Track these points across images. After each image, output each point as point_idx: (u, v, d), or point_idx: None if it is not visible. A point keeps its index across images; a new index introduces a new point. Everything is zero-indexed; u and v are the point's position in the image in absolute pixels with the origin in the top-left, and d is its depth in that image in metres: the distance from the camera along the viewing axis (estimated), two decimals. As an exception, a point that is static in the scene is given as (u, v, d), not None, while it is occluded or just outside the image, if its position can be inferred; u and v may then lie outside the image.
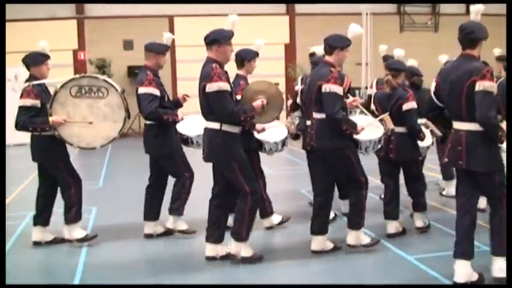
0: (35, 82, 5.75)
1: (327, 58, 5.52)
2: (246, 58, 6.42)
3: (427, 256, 5.39)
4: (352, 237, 5.54)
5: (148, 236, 6.27)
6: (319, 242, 5.56)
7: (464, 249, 4.61)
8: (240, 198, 5.26)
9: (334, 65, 5.46)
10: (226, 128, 5.14)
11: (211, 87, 5.08)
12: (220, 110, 5.08)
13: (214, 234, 5.40)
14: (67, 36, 17.30)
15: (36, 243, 6.03)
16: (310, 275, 5.11)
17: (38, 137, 5.81)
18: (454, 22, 21.75)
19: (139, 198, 6.41)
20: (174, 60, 17.57)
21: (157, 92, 6.01)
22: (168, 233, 6.32)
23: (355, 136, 5.47)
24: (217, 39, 5.26)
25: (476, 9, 4.90)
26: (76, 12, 17.61)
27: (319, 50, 7.08)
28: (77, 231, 5.99)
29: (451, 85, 4.52)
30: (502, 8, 20.02)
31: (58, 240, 6.08)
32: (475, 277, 4.63)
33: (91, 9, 17.69)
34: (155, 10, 17.40)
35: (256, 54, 6.52)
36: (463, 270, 4.59)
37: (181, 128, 6.23)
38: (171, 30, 17.38)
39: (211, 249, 5.41)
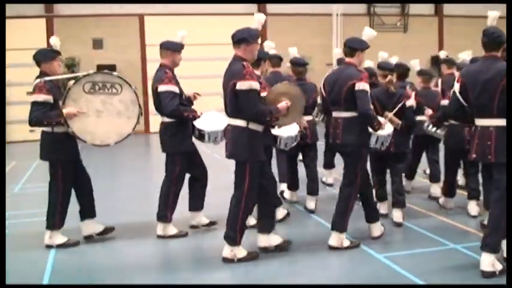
0: (46, 78, 5.73)
1: (349, 60, 5.75)
2: (262, 58, 6.54)
3: (397, 254, 5.42)
4: (335, 239, 5.60)
5: (193, 227, 6.44)
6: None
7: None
8: (235, 198, 5.33)
9: (356, 65, 5.69)
10: (252, 126, 5.21)
11: (242, 85, 5.10)
12: (249, 108, 5.13)
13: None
14: (36, 35, 17.01)
15: (87, 238, 6.12)
16: (282, 275, 5.10)
17: (49, 134, 5.77)
18: (422, 23, 22.17)
19: (103, 199, 6.36)
20: (144, 60, 17.45)
21: (177, 90, 6.05)
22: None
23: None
24: (246, 38, 5.28)
25: (493, 16, 5.38)
26: (45, 11, 17.37)
27: (293, 51, 7.24)
28: (58, 238, 5.93)
29: (483, 85, 4.81)
30: (473, 10, 20.38)
31: (109, 230, 6.22)
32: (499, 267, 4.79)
33: (60, 8, 17.46)
34: (125, 9, 17.24)
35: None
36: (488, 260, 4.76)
37: (197, 123, 6.24)
38: (141, 29, 17.30)
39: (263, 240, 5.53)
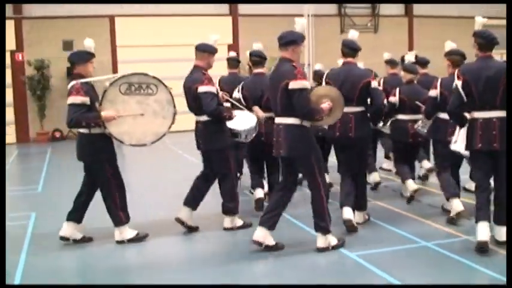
0: (82, 80, 5.78)
1: (351, 59, 6.32)
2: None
3: (369, 253, 5.46)
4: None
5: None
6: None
7: (484, 214, 5.35)
8: (312, 191, 5.56)
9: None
10: (305, 123, 5.47)
11: (295, 84, 5.31)
12: (302, 106, 5.34)
13: (269, 221, 5.59)
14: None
15: (63, 239, 6.03)
16: (254, 275, 5.10)
17: (86, 135, 5.86)
18: (393, 23, 22.36)
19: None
20: (115, 61, 17.28)
21: (215, 91, 6.22)
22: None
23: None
24: (295, 40, 5.49)
25: (480, 21, 5.76)
26: (13, 12, 17.08)
27: (258, 46, 7.56)
28: (127, 232, 6.06)
29: (487, 81, 5.35)
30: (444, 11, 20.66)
31: (86, 239, 6.12)
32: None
33: (29, 9, 17.20)
34: (95, 10, 17.06)
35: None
36: (485, 231, 5.31)
37: (229, 123, 6.48)
38: (112, 30, 17.16)
39: (261, 235, 5.58)
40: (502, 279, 4.63)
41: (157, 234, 6.26)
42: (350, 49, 6.32)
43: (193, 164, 7.92)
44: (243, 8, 18.59)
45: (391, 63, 8.85)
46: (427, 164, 8.40)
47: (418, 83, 7.61)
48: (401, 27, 20.46)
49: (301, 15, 18.51)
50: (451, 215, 6.38)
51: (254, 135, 6.75)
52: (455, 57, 6.59)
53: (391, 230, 6.23)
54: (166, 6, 17.68)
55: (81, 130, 5.90)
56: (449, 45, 6.84)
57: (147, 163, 11.98)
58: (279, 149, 5.52)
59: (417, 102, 7.16)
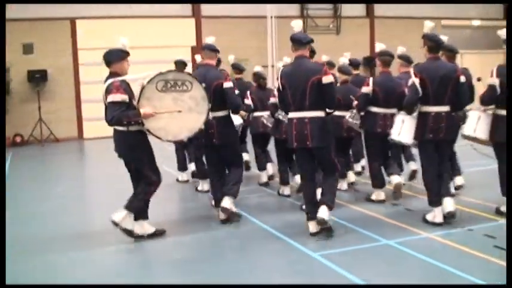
0: (119, 78, 5.88)
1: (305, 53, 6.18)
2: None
3: (332, 252, 5.50)
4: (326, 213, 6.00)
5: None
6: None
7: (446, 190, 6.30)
8: (329, 174, 6.12)
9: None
10: (332, 115, 6.18)
11: (327, 79, 5.83)
12: (334, 99, 5.98)
13: (314, 211, 5.99)
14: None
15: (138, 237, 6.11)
16: (215, 275, 5.09)
17: (124, 133, 5.91)
18: (355, 25, 22.57)
19: (44, 207, 6.21)
20: (76, 64, 17.05)
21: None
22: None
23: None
24: (312, 40, 6.09)
25: (429, 26, 6.38)
26: (-30, 14, 16.76)
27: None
28: (148, 227, 6.17)
29: (440, 79, 6.10)
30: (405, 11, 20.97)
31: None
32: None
33: (-14, 11, 16.89)
34: (56, 12, 16.79)
35: None
36: (450, 203, 6.20)
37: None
38: (73, 33, 16.93)
39: (313, 226, 6.03)
40: (465, 276, 4.73)
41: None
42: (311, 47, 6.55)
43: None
44: (206, 10, 18.54)
45: (329, 64, 8.73)
46: (413, 166, 8.51)
47: (351, 82, 8.10)
48: (363, 28, 20.69)
49: (264, 17, 18.64)
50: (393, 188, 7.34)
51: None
52: (386, 58, 7.35)
53: (353, 229, 6.29)
54: (128, 8, 17.53)
55: (119, 128, 5.94)
56: (379, 47, 7.50)
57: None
58: (305, 140, 5.89)
59: (351, 97, 7.59)
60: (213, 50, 6.83)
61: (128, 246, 6.00)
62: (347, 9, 20.42)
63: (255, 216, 6.97)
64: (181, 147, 9.20)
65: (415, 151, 7.49)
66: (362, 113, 7.40)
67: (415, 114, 6.45)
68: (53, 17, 16.69)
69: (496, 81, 6.40)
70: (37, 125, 16.12)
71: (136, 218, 6.11)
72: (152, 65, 11.31)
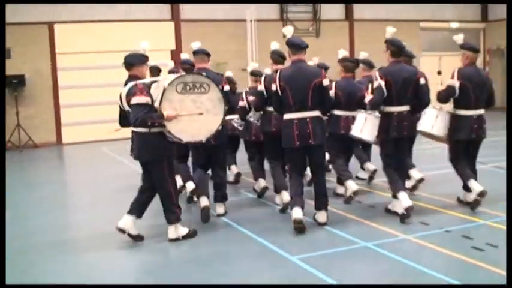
0: (141, 81, 6.04)
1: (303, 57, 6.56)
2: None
3: (310, 256, 5.50)
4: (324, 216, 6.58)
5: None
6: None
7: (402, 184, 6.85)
8: (320, 174, 6.65)
9: None
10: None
11: (326, 82, 6.38)
12: (331, 100, 6.73)
13: (301, 201, 6.39)
14: None
15: (121, 231, 6.13)
16: (193, 281, 5.08)
17: (146, 134, 6.00)
18: (334, 27, 22.59)
19: (23, 213, 6.14)
20: (54, 69, 16.89)
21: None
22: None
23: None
24: (308, 45, 6.49)
25: (390, 31, 6.94)
26: None
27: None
28: (181, 229, 6.25)
29: (403, 82, 6.58)
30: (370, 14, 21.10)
31: (139, 238, 6.23)
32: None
33: (-37, 15, 16.68)
34: (34, 17, 16.61)
35: None
36: (407, 197, 6.62)
37: None
38: (51, 37, 16.76)
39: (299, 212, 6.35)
40: (441, 277, 4.77)
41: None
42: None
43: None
44: (185, 13, 18.49)
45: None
46: (371, 166, 8.66)
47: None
48: (342, 31, 20.78)
49: (244, 20, 18.65)
50: (348, 194, 7.45)
51: None
52: (348, 64, 7.74)
53: (332, 231, 6.31)
54: (107, 12, 17.42)
55: (139, 130, 6.03)
56: (342, 53, 8.01)
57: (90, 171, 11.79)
58: (308, 139, 6.28)
59: None
60: (206, 54, 7.19)
61: (106, 253, 5.96)
62: (326, 12, 20.49)
63: (232, 219, 6.97)
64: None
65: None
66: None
67: (376, 113, 6.94)
68: (30, 22, 16.52)
69: (456, 83, 6.90)
70: (15, 130, 15.95)
71: (171, 222, 6.25)
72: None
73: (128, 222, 6.14)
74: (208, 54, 7.19)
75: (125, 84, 6.11)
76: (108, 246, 6.16)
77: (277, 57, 7.26)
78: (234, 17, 19.01)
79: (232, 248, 5.90)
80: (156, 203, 6.30)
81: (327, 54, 10.19)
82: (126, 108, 6.08)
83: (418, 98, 6.71)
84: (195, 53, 7.20)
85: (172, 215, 6.17)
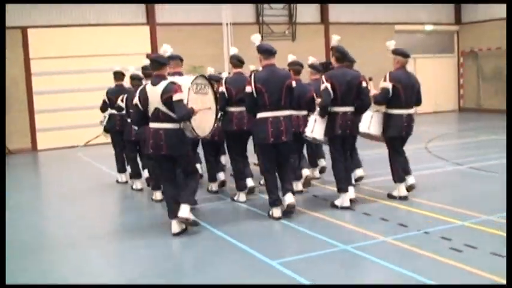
0: (171, 79, 6.55)
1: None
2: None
3: (290, 260, 5.48)
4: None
5: None
6: None
7: (349, 178, 7.65)
8: (287, 165, 7.28)
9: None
10: None
11: (294, 83, 7.14)
12: (295, 99, 7.53)
13: (279, 199, 7.06)
14: None
15: (184, 220, 6.48)
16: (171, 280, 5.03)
17: (177, 130, 6.45)
18: (310, 31, 22.69)
19: None
20: (29, 74, 16.62)
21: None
22: None
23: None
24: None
25: (336, 39, 7.50)
26: None
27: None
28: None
29: (347, 84, 7.24)
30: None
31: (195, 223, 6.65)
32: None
33: None
34: (7, 21, 16.36)
35: None
36: (352, 190, 7.48)
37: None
38: (25, 42, 16.53)
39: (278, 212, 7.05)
40: (421, 279, 4.77)
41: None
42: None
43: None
44: (160, 17, 18.39)
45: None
46: (323, 162, 9.40)
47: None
48: (318, 34, 20.84)
49: (220, 24, 18.62)
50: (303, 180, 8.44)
51: None
52: (296, 67, 8.28)
53: (311, 235, 6.29)
54: (82, 16, 17.25)
55: (172, 126, 6.40)
56: (291, 58, 8.57)
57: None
58: (281, 136, 6.89)
59: None
60: (181, 59, 7.92)
61: (82, 262, 5.88)
62: (302, 15, 20.54)
63: (210, 224, 6.92)
64: (120, 150, 10.05)
65: (325, 149, 8.64)
66: None
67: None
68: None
69: (389, 85, 7.55)
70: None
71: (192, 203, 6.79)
72: (106, 73, 11.17)
73: (186, 211, 6.43)
74: (182, 60, 7.76)
75: (155, 84, 6.41)
76: (80, 252, 6.07)
77: (236, 62, 8.05)
78: (210, 21, 18.96)
79: (211, 254, 5.84)
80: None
81: (304, 57, 10.25)
82: (159, 106, 6.33)
83: (361, 99, 7.39)
84: (170, 58, 7.41)
85: (191, 197, 6.64)
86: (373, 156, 10.18)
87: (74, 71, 16.95)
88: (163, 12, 18.45)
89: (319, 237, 6.16)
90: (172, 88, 6.26)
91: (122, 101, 9.08)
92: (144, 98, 6.44)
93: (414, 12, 22.56)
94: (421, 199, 7.65)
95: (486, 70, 21.91)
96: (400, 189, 7.68)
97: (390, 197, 7.79)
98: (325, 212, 7.26)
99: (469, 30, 22.74)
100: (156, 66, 6.50)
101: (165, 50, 7.35)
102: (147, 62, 7.82)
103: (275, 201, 7.01)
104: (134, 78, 9.02)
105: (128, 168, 9.80)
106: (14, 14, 16.45)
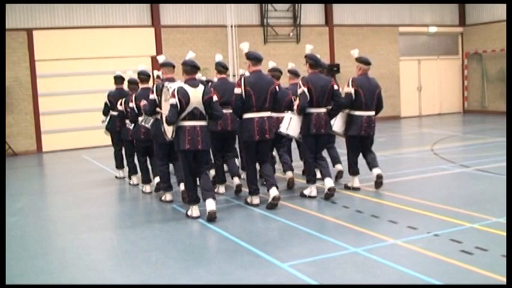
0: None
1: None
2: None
3: (301, 262, 5.46)
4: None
5: None
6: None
7: (327, 172, 8.23)
8: (268, 161, 8.10)
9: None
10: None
11: (277, 88, 8.12)
12: (281, 102, 8.70)
13: (258, 188, 8.05)
14: None
15: (213, 213, 7.14)
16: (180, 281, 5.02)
17: (207, 127, 7.37)
18: (314, 33, 22.69)
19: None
20: (34, 76, 16.64)
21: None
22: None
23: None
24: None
25: (309, 48, 8.30)
26: None
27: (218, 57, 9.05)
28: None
29: (321, 88, 8.03)
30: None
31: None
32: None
33: None
34: (12, 23, 16.41)
35: None
36: (330, 181, 8.13)
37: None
38: (30, 44, 16.56)
39: (257, 199, 8.06)
40: (434, 282, 4.75)
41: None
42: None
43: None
44: (165, 19, 18.41)
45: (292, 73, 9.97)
46: (339, 167, 9.57)
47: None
48: (322, 36, 20.85)
49: (224, 26, 18.64)
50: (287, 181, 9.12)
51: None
52: (277, 73, 9.07)
53: (321, 237, 6.27)
54: (87, 18, 17.28)
55: (204, 123, 7.28)
56: (271, 64, 9.44)
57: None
58: (265, 134, 7.75)
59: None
60: (173, 66, 8.42)
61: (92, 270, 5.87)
62: (306, 17, 20.56)
63: (218, 226, 6.94)
64: (119, 149, 10.84)
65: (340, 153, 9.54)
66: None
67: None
68: (9, 28, 16.30)
69: (351, 90, 8.43)
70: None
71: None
72: (111, 75, 11.17)
73: (213, 204, 7.16)
74: (174, 66, 8.36)
75: (194, 86, 7.18)
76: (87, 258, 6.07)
77: (221, 68, 8.75)
78: (214, 23, 19.01)
79: (221, 256, 5.82)
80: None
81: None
82: (199, 106, 7.16)
83: (335, 101, 8.18)
84: (163, 64, 8.28)
85: (213, 191, 7.41)
86: (379, 159, 10.16)
87: (79, 73, 16.98)
88: (168, 15, 18.47)
89: (328, 240, 6.14)
90: (210, 90, 7.34)
91: (121, 104, 9.77)
92: (186, 98, 7.09)
93: (418, 14, 22.56)
94: (429, 201, 7.63)
95: (491, 72, 21.88)
96: (354, 182, 8.72)
97: (346, 187, 8.80)
98: (334, 215, 7.25)
99: (473, 32, 22.73)
100: (191, 70, 7.29)
101: (158, 58, 8.16)
102: (146, 64, 8.44)
103: (255, 191, 7.96)
104: (132, 83, 9.72)
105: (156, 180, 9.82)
106: (20, 16, 16.51)
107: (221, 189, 8.84)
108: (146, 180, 9.39)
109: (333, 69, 19.96)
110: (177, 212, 7.93)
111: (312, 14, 20.82)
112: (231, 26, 18.72)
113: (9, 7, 16.25)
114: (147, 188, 9.36)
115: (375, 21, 21.68)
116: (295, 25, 20.32)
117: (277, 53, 18.76)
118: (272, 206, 7.67)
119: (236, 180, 8.78)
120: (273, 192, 7.70)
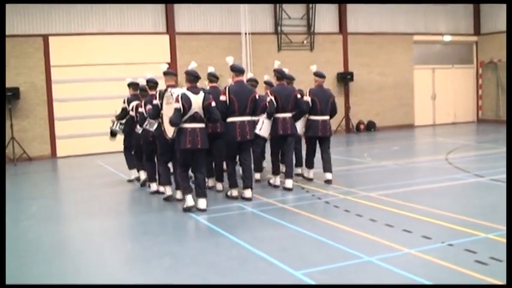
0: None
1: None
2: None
3: (314, 270, 5.43)
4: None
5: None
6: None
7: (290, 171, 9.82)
8: (249, 159, 9.31)
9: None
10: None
11: (257, 96, 9.22)
12: (264, 109, 9.52)
13: (236, 183, 9.17)
14: None
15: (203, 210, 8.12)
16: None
17: (206, 129, 8.31)
18: (328, 41, 22.63)
19: (18, 228, 6.03)
20: (49, 81, 16.80)
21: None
22: None
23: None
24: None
25: (277, 63, 9.94)
26: None
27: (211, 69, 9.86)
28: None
29: (285, 97, 9.57)
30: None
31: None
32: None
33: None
34: (28, 29, 16.56)
35: None
36: (310, 173, 10.46)
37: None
38: (46, 50, 16.69)
39: (236, 192, 9.15)
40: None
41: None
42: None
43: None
44: (180, 26, 18.50)
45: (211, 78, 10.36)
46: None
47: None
48: (336, 44, 20.83)
49: (239, 33, 18.70)
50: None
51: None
52: (254, 83, 10.23)
53: (334, 246, 6.25)
54: (102, 24, 17.41)
55: (203, 125, 8.21)
56: (250, 75, 10.81)
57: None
58: (246, 135, 8.82)
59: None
60: (175, 74, 9.34)
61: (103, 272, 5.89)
62: (320, 25, 20.56)
63: (228, 231, 6.95)
64: (130, 149, 11.14)
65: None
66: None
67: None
68: (25, 34, 16.47)
69: (308, 99, 10.09)
70: (9, 143, 15.87)
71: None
72: (125, 82, 11.22)
73: (204, 203, 8.20)
74: (176, 75, 9.27)
75: (198, 93, 8.13)
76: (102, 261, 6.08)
77: (212, 78, 9.56)
78: (228, 30, 19.07)
79: (233, 262, 5.82)
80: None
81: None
82: (199, 110, 8.08)
83: (298, 107, 9.74)
84: (166, 73, 8.89)
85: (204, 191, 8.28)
86: (390, 167, 10.13)
87: (94, 79, 17.10)
88: (183, 22, 18.56)
89: (342, 248, 6.12)
90: (209, 97, 8.19)
91: (132, 110, 10.56)
92: (188, 103, 7.99)
93: (433, 23, 22.49)
94: (443, 211, 7.58)
95: (505, 81, 21.75)
96: (310, 173, 10.53)
97: (301, 176, 10.72)
98: (348, 223, 7.22)
99: (488, 41, 22.62)
100: (194, 79, 8.22)
101: (161, 67, 9.01)
102: (161, 71, 8.99)
103: (234, 184, 9.08)
104: (143, 90, 10.22)
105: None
106: (36, 22, 16.67)
107: (234, 192, 9.15)
108: (165, 181, 9.46)
109: (346, 77, 19.99)
110: (190, 217, 7.95)
111: (326, 22, 20.83)
112: (246, 34, 18.77)
113: (25, 13, 16.45)
114: (168, 190, 9.40)
115: (389, 29, 21.63)
116: (309, 33, 20.34)
117: (291, 61, 18.76)
118: (235, 199, 8.96)
119: (248, 193, 9.08)
120: (247, 193, 8.97)
